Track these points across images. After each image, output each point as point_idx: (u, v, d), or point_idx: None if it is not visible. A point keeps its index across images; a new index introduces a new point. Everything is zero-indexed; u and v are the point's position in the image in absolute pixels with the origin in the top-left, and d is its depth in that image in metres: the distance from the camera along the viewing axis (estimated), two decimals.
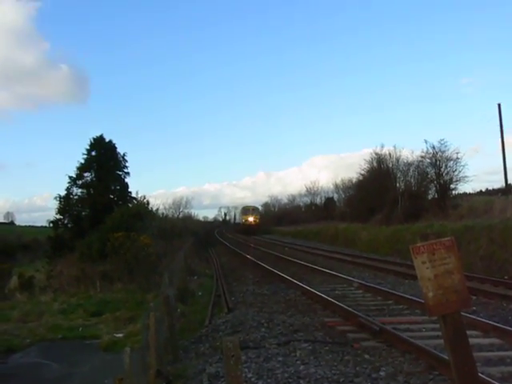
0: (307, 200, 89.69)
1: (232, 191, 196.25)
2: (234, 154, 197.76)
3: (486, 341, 9.44)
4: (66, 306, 21.43)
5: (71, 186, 43.38)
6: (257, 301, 15.68)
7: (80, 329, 17.38)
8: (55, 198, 42.93)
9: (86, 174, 43.92)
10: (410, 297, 13.63)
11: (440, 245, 4.58)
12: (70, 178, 43.31)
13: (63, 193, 43.13)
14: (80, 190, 43.70)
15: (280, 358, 8.92)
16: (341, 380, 7.54)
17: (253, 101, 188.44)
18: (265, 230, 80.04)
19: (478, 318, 10.87)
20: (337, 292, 16.32)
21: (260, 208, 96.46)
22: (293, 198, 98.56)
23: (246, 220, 79.40)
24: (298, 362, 8.61)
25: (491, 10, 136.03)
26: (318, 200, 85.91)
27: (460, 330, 4.54)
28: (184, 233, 46.33)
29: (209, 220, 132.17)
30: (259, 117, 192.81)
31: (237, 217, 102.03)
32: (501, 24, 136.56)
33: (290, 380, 7.67)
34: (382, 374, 7.77)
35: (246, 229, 76.47)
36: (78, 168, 43.68)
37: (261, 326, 11.75)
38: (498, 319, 11.16)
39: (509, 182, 39.58)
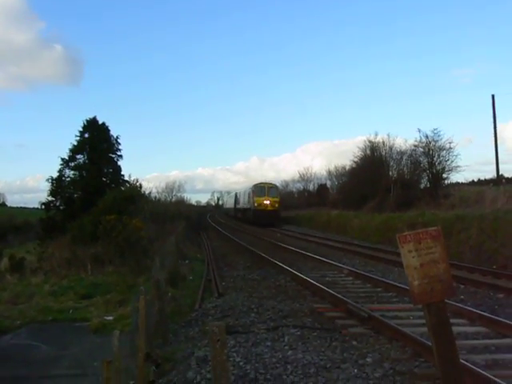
0: (300, 186, 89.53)
1: (225, 176, 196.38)
2: (227, 138, 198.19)
3: (472, 329, 9.57)
4: (56, 288, 21.38)
5: (63, 167, 43.19)
6: (247, 286, 15.77)
7: (70, 311, 17.36)
8: (47, 179, 42.72)
9: (78, 156, 43.74)
10: (399, 284, 13.76)
11: (426, 234, 4.63)
12: (63, 159, 43.14)
13: (55, 175, 42.98)
14: (72, 172, 43.51)
15: (268, 343, 9.00)
16: (328, 366, 7.62)
17: (248, 88, 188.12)
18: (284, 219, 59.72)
19: (466, 307, 11.00)
20: (327, 278, 16.41)
21: (279, 186, 70.13)
22: (286, 184, 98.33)
23: (260, 204, 54.50)
24: (286, 348, 8.69)
25: (484, 7, 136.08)
26: (310, 186, 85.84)
27: (444, 319, 4.61)
28: (176, 217, 46.29)
29: (201, 204, 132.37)
30: (254, 103, 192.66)
31: (240, 200, 68.89)
32: (495, 19, 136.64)
33: (278, 365, 7.75)
34: (368, 360, 7.87)
35: (258, 217, 53.77)
36: (71, 150, 43.49)
37: (250, 311, 11.83)
38: (485, 308, 11.30)
39: (500, 173, 39.80)
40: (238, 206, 72.30)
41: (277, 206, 55.08)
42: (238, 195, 74.09)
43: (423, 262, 4.56)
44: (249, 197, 58.37)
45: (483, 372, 6.56)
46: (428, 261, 4.57)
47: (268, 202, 54.33)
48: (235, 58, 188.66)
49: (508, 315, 10.54)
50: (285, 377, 7.25)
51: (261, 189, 55.37)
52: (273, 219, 53.24)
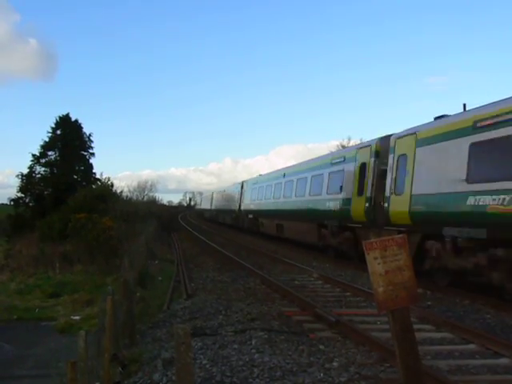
0: None
1: (198, 177, 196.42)
2: (202, 139, 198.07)
3: (438, 335, 9.69)
4: (23, 286, 21.17)
5: (34, 164, 42.77)
6: (216, 288, 15.72)
7: (36, 310, 17.20)
8: (17, 175, 42.31)
9: (49, 153, 43.35)
10: (368, 290, 13.85)
11: (392, 242, 4.69)
12: (34, 155, 42.71)
13: (26, 171, 42.51)
14: (43, 169, 43.13)
15: (235, 346, 8.98)
16: (294, 369, 7.63)
17: (224, 90, 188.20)
18: None
19: (432, 313, 11.14)
20: (296, 282, 16.46)
21: None
22: None
23: None
24: (253, 351, 8.68)
25: (461, 15, 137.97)
26: None
27: (407, 325, 4.67)
28: (147, 217, 46.06)
29: (173, 204, 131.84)
30: (229, 105, 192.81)
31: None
32: (469, 27, 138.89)
33: (244, 368, 7.73)
34: (335, 364, 7.89)
35: None
36: (42, 146, 43.09)
37: (218, 314, 11.80)
38: (451, 314, 11.44)
39: None
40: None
41: None
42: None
43: (388, 269, 4.62)
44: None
45: (446, 377, 6.64)
46: (393, 268, 4.63)
47: None
48: (212, 59, 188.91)
49: (472, 321, 10.72)
50: (251, 380, 7.24)
51: None
52: None
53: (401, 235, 4.75)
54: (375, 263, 4.62)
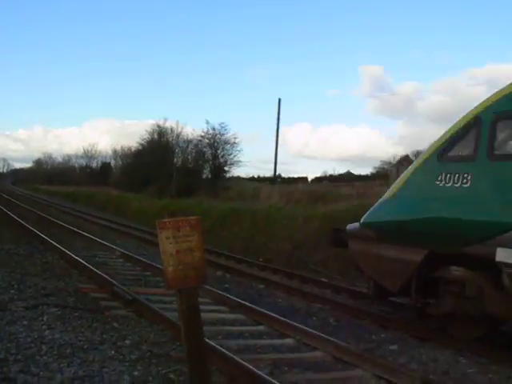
0: (83, 162, 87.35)
1: (3, 142, 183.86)
2: (9, 99, 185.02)
3: (232, 316, 10.12)
4: None
5: None
6: (11, 261, 14.90)
7: None
8: None
9: None
10: None
11: (186, 222, 4.82)
12: None
13: None
14: None
15: (25, 322, 8.61)
16: (85, 346, 7.51)
17: (34, 54, 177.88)
18: None
19: (228, 295, 11.59)
20: (97, 259, 16.18)
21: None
22: (68, 158, 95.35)
23: None
24: (44, 327, 8.39)
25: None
26: (94, 164, 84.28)
27: (194, 305, 4.83)
28: None
29: None
30: (41, 68, 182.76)
31: None
32: (279, 20, 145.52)
33: (33, 345, 7.44)
34: (127, 342, 7.91)
35: None
36: None
37: (10, 288, 11.21)
38: (246, 297, 11.97)
39: (278, 172, 42.36)
40: None
41: None
42: None
43: (180, 249, 4.74)
44: None
45: (231, 356, 6.96)
46: (185, 248, 4.76)
47: None
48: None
49: (265, 304, 11.33)
50: (38, 357, 6.99)
51: None
52: None
53: (194, 217, 4.89)
54: (167, 242, 4.70)
